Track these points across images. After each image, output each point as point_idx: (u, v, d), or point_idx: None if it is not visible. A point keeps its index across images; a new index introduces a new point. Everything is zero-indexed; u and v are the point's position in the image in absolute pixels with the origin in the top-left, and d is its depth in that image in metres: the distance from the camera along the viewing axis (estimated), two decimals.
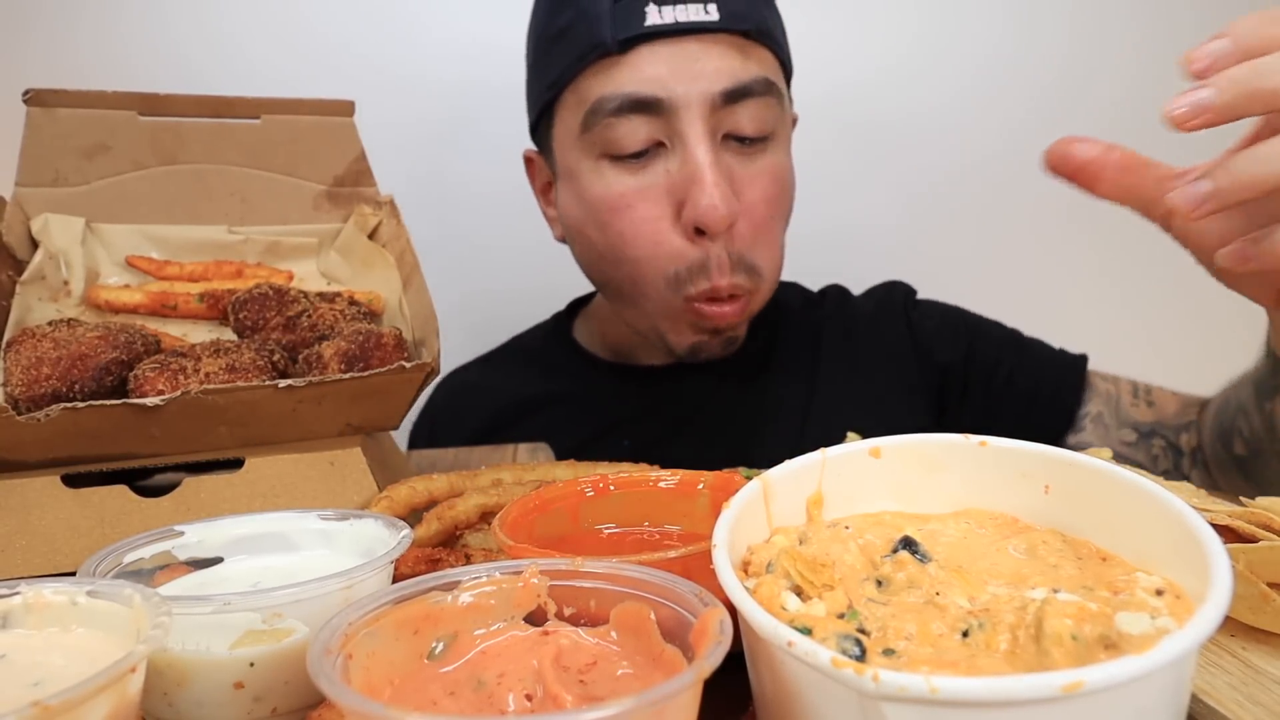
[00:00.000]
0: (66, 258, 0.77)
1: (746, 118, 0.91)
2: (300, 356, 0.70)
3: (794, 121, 1.06)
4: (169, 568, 0.51)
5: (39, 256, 0.76)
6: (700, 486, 0.57)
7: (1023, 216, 1.56)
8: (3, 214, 0.77)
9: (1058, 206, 1.55)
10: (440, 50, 1.44)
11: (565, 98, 0.96)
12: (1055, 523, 0.45)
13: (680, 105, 0.89)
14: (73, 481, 0.63)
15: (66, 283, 0.77)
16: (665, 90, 0.89)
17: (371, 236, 0.85)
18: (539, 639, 0.41)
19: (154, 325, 0.76)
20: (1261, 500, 0.54)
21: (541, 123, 1.03)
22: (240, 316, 0.74)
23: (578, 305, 1.27)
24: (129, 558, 0.50)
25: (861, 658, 0.35)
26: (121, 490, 0.63)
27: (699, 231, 0.92)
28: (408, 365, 0.64)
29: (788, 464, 0.48)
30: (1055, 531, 0.45)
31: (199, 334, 0.77)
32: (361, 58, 1.41)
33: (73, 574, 0.44)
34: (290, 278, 0.84)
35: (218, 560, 0.53)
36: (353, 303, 0.78)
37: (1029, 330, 1.61)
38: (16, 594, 0.41)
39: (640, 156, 0.93)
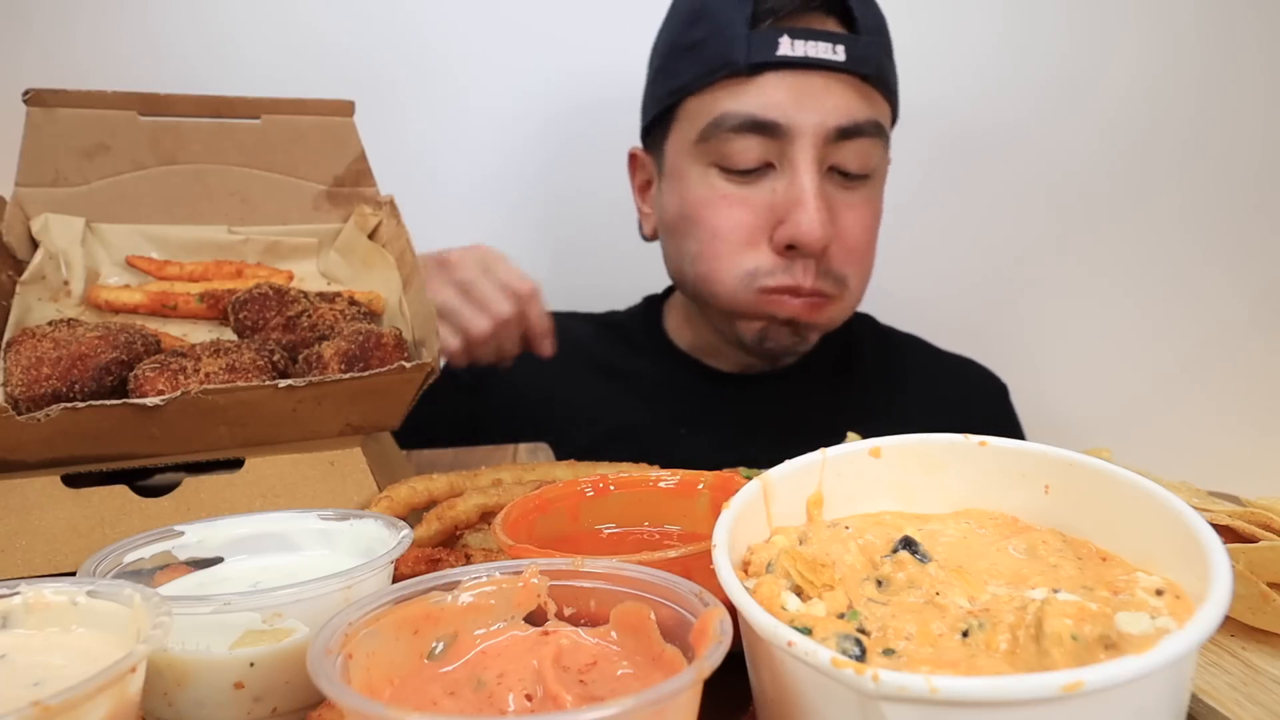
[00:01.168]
0: (66, 258, 0.77)
1: (853, 155, 0.99)
2: (300, 356, 0.70)
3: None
4: (169, 568, 0.51)
5: (39, 256, 0.76)
6: (700, 486, 0.57)
7: (1017, 219, 1.56)
8: (3, 214, 0.77)
9: (1052, 211, 1.56)
10: (440, 50, 1.44)
11: (687, 105, 1.04)
12: (1055, 523, 0.45)
13: (796, 133, 0.97)
14: (73, 481, 0.63)
15: (66, 283, 0.77)
16: (785, 117, 0.96)
17: (371, 236, 0.85)
18: (539, 639, 0.41)
19: (154, 325, 0.76)
20: (1261, 500, 0.54)
21: (656, 125, 1.09)
22: (240, 316, 0.74)
23: (670, 292, 1.30)
24: (129, 558, 0.50)
25: (861, 658, 0.35)
26: (121, 490, 0.63)
27: (789, 248, 0.99)
28: (408, 365, 0.64)
29: (788, 464, 0.48)
30: (1055, 531, 0.45)
31: (199, 334, 0.77)
32: (361, 58, 1.41)
33: (73, 574, 0.44)
34: (290, 278, 0.84)
35: (218, 560, 0.53)
36: (353, 303, 0.77)
37: (1027, 329, 1.61)
38: (16, 594, 0.41)
39: (749, 173, 1.00)
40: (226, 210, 0.84)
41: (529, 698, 0.37)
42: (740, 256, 1.01)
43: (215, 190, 0.83)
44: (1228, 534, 0.52)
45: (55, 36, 1.34)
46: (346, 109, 0.86)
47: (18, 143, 0.78)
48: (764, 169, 1.00)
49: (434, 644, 0.40)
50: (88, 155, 0.79)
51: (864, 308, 1.32)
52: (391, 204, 0.85)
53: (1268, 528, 0.51)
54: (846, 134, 0.98)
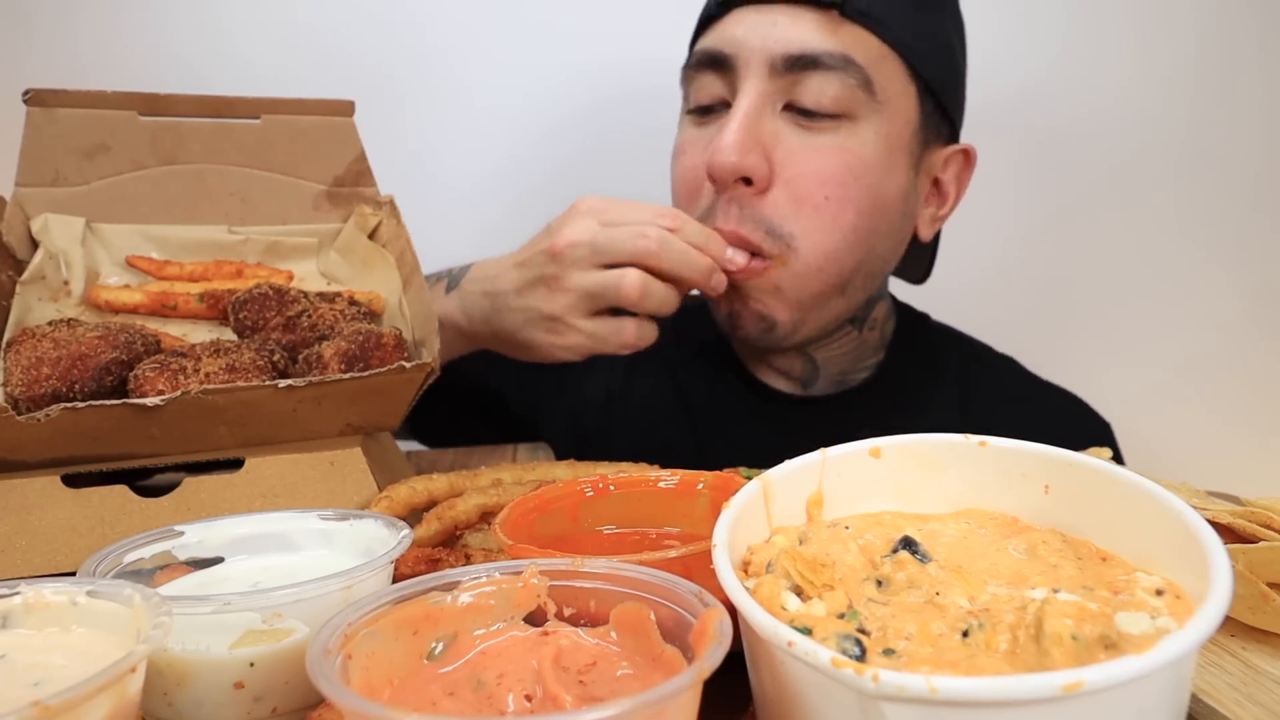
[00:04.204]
0: (66, 258, 0.77)
1: (810, 90, 0.88)
2: (300, 356, 0.70)
3: (968, 156, 1.03)
4: (169, 568, 0.51)
5: (39, 256, 0.76)
6: (700, 487, 0.57)
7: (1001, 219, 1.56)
8: (3, 214, 0.77)
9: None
10: (441, 49, 1.44)
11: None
12: (1055, 523, 0.45)
13: (742, 63, 0.90)
14: (73, 481, 0.63)
15: (66, 283, 0.77)
16: (734, 47, 0.91)
17: (371, 236, 0.85)
18: (539, 639, 0.41)
19: (154, 325, 0.76)
20: (1262, 500, 0.54)
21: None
22: (240, 316, 0.74)
23: None
24: (129, 558, 0.50)
25: (861, 658, 0.35)
26: (121, 490, 0.63)
27: (713, 181, 0.90)
28: (408, 365, 0.64)
29: (788, 464, 0.48)
30: (1055, 531, 0.45)
31: (199, 334, 0.77)
32: (361, 58, 1.41)
33: (73, 574, 0.44)
34: (290, 278, 0.84)
35: (218, 560, 0.53)
36: (353, 303, 0.77)
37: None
38: (16, 594, 0.41)
39: (709, 112, 0.95)
40: (226, 210, 0.84)
41: (528, 698, 0.37)
42: (688, 206, 0.94)
43: (215, 190, 0.83)
44: (1228, 534, 0.52)
45: (55, 36, 1.34)
46: (346, 109, 0.86)
47: (18, 143, 0.78)
48: (721, 107, 0.94)
49: (434, 644, 0.40)
50: (88, 155, 0.79)
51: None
52: (391, 204, 0.85)
53: (1268, 527, 0.51)
54: (798, 64, 0.88)
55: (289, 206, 0.85)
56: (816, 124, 0.90)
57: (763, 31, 0.89)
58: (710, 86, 0.93)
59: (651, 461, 0.73)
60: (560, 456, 0.86)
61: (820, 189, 0.89)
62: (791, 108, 0.90)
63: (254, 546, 0.54)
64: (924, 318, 1.18)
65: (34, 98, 0.77)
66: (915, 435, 0.49)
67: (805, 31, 0.89)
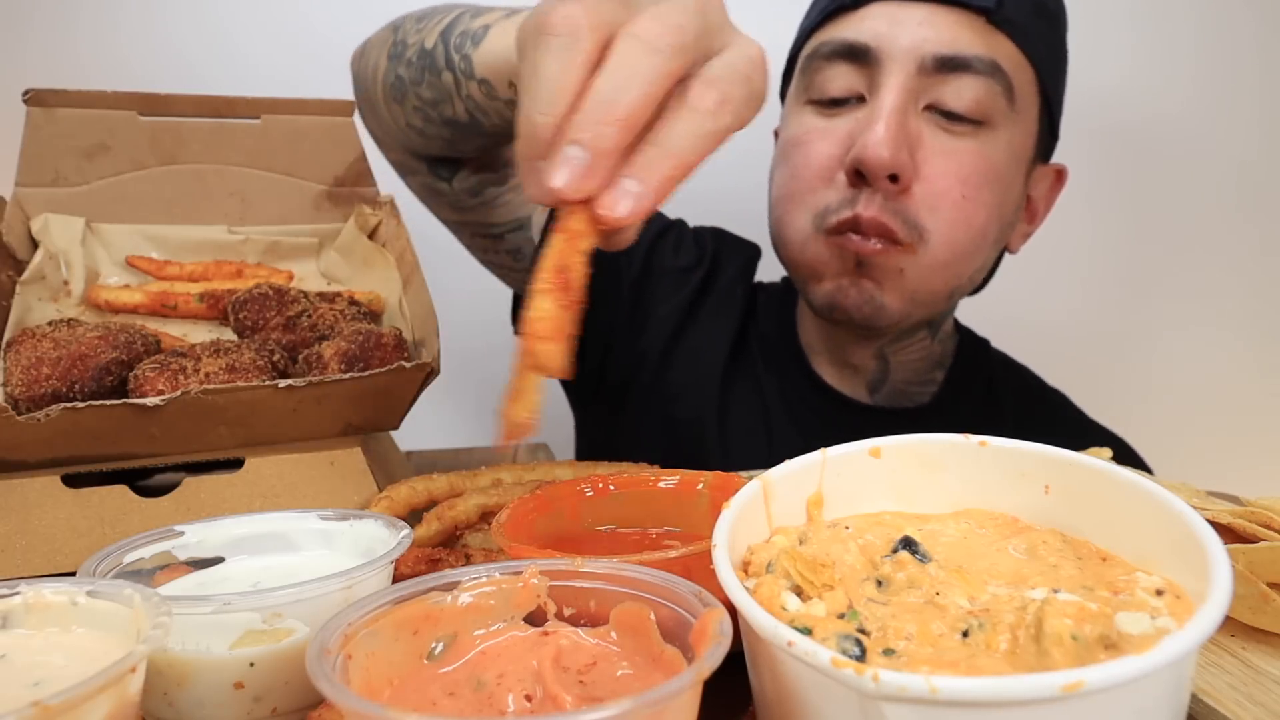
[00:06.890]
0: (66, 258, 0.77)
1: (956, 92, 0.88)
2: (300, 356, 0.70)
3: (1060, 176, 1.04)
4: (169, 568, 0.51)
5: (39, 256, 0.76)
6: (700, 486, 0.57)
7: None
8: (3, 214, 0.77)
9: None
10: None
11: (804, 50, 0.98)
12: (1055, 523, 0.45)
13: (886, 57, 0.88)
14: (73, 481, 0.63)
15: (66, 283, 0.77)
16: (877, 40, 0.89)
17: (371, 236, 0.85)
18: (539, 639, 0.41)
19: (154, 325, 0.76)
20: (1262, 500, 0.54)
21: (786, 80, 1.03)
22: (240, 316, 0.74)
23: None
24: (129, 558, 0.50)
25: (861, 658, 0.35)
26: (121, 490, 0.63)
27: (859, 175, 0.88)
28: (408, 365, 0.64)
29: (788, 464, 0.48)
30: (1055, 531, 0.45)
31: (199, 334, 0.77)
32: None
33: (73, 574, 0.44)
34: (290, 278, 0.84)
35: (218, 560, 0.53)
36: (353, 303, 0.77)
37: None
38: (16, 594, 0.41)
39: (838, 104, 0.92)
40: (226, 210, 0.84)
41: (528, 698, 0.37)
42: (813, 195, 0.92)
43: (215, 190, 0.83)
44: (1228, 534, 0.52)
45: (55, 36, 1.34)
46: (346, 109, 0.86)
47: (18, 143, 0.78)
48: (855, 101, 0.91)
49: (434, 644, 0.40)
50: (88, 155, 0.79)
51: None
52: (391, 204, 0.85)
53: (1268, 527, 0.51)
54: (947, 66, 0.87)
55: (289, 206, 0.85)
56: (956, 126, 0.90)
57: (912, 30, 0.88)
58: (843, 78, 0.91)
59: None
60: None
61: (959, 187, 0.90)
62: (932, 108, 0.90)
63: (254, 546, 0.54)
64: (984, 343, 1.18)
65: (34, 98, 0.77)
66: (915, 435, 0.49)
67: (956, 32, 0.88)
